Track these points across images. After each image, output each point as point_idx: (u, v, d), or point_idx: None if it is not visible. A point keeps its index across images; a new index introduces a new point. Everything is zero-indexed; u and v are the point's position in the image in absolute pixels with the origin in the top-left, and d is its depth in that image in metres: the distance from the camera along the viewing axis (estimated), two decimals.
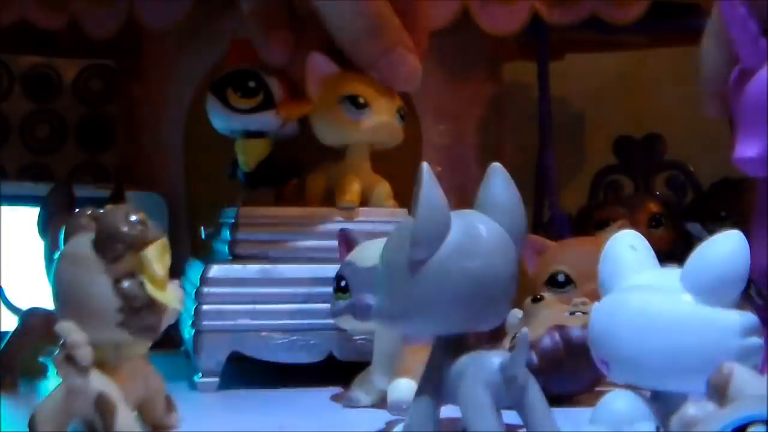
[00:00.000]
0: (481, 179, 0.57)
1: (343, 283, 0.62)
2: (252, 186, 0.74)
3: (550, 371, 0.60)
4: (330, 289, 0.63)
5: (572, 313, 0.63)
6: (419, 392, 0.50)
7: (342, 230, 0.66)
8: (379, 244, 0.63)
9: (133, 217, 0.48)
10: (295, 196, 0.75)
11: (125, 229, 0.48)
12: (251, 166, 0.74)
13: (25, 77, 1.05)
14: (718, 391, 0.40)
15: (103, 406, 0.46)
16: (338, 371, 0.67)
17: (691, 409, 0.40)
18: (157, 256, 0.49)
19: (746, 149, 0.50)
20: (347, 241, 0.65)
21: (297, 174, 0.76)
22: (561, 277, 0.73)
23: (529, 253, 0.77)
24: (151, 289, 0.48)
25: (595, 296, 0.70)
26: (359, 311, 0.60)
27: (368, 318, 0.59)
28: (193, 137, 0.87)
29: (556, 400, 0.61)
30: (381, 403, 0.60)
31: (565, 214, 0.90)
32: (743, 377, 0.39)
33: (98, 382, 0.47)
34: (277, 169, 0.75)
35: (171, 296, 0.49)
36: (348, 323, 0.62)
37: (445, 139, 0.87)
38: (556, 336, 0.60)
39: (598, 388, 0.63)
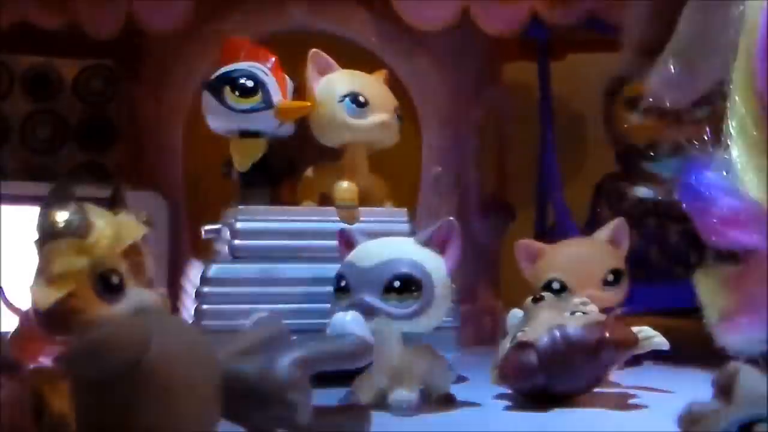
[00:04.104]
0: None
1: (343, 283, 0.62)
2: (247, 186, 0.74)
3: (549, 371, 0.60)
4: (330, 289, 0.63)
5: (572, 313, 0.63)
6: None
7: (342, 230, 0.66)
8: (379, 243, 0.63)
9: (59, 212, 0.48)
10: (290, 196, 0.75)
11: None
12: (246, 166, 0.74)
13: (25, 77, 1.05)
14: (724, 390, 0.39)
15: None
16: (338, 371, 0.67)
17: (696, 407, 0.40)
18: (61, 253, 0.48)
19: None
20: (347, 241, 0.65)
21: (292, 174, 0.76)
22: (556, 285, 0.74)
23: (524, 259, 0.76)
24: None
25: (592, 300, 0.70)
26: (362, 312, 0.59)
27: (370, 317, 0.59)
28: (193, 137, 0.87)
29: (556, 400, 0.61)
30: (381, 402, 0.60)
31: (570, 213, 0.90)
32: (749, 376, 0.39)
33: None
34: (272, 168, 0.75)
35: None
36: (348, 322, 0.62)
37: (445, 140, 0.87)
38: (556, 335, 0.60)
39: (597, 388, 0.63)
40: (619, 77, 0.73)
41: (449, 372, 0.65)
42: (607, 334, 0.60)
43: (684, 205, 0.53)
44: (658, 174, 0.80)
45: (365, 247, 0.63)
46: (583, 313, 0.63)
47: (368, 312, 0.59)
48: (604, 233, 0.77)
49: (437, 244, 0.61)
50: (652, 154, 0.76)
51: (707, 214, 0.51)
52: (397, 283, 0.60)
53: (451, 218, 0.62)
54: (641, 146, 0.81)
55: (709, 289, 0.56)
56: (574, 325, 0.61)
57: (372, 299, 0.60)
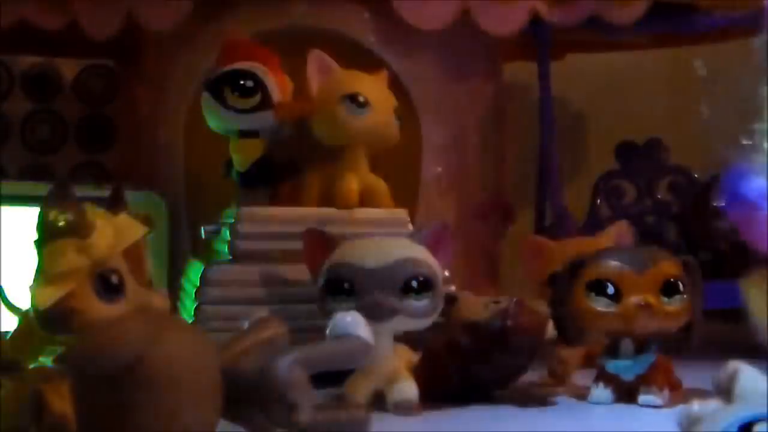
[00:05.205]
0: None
1: (346, 285, 0.60)
2: (247, 186, 0.74)
3: (467, 367, 0.61)
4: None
5: (486, 306, 0.63)
6: None
7: (310, 230, 0.64)
8: (381, 243, 0.62)
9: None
10: (290, 196, 0.75)
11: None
12: (246, 166, 0.74)
13: (25, 77, 1.05)
14: (724, 389, 0.39)
15: None
16: (336, 371, 0.66)
17: (696, 407, 0.40)
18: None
19: None
20: (316, 241, 0.63)
21: (292, 174, 0.76)
22: None
23: (529, 254, 0.76)
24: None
25: None
26: (381, 312, 0.59)
27: (390, 317, 0.59)
28: (193, 137, 0.87)
29: (479, 396, 0.61)
30: (375, 402, 0.60)
31: (568, 213, 0.90)
32: (749, 376, 0.39)
33: None
34: (272, 168, 0.75)
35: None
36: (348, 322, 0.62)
37: (445, 140, 0.87)
38: (469, 333, 0.61)
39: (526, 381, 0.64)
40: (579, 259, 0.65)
41: None
42: (509, 322, 0.60)
43: (729, 213, 0.53)
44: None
45: (363, 248, 0.62)
46: (495, 303, 0.63)
47: (388, 313, 0.59)
48: (608, 232, 0.77)
49: (430, 246, 0.61)
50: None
51: (754, 222, 0.51)
52: (414, 283, 0.59)
53: (445, 221, 0.62)
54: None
55: (757, 295, 0.56)
56: (485, 318, 0.61)
57: (391, 299, 0.59)
